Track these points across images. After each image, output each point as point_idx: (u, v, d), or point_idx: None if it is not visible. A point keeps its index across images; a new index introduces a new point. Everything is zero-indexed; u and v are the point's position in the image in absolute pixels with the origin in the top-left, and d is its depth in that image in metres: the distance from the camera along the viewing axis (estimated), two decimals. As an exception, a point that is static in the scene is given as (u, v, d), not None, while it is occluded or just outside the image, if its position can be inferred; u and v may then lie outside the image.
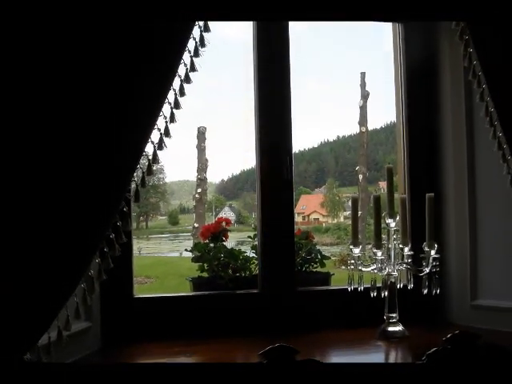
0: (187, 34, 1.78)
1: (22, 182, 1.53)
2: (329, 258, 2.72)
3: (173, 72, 1.76)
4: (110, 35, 1.62)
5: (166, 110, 1.80)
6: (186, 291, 2.53)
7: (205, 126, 4.19)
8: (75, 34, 1.59)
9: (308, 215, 5.42)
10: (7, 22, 1.54)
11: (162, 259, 5.45)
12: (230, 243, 2.63)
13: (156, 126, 1.77)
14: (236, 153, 4.42)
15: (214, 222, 2.74)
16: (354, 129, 4.89)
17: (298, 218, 5.08)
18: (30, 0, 1.55)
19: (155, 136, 1.80)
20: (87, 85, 1.59)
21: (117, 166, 1.63)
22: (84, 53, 1.60)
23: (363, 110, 4.71)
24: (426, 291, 2.21)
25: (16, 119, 1.53)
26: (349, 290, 2.23)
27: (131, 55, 1.64)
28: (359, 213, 2.46)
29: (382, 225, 2.23)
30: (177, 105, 1.84)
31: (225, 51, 3.58)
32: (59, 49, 1.57)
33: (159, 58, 1.69)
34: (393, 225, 2.24)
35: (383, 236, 2.24)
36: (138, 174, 1.80)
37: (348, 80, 4.78)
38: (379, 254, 2.22)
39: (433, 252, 2.19)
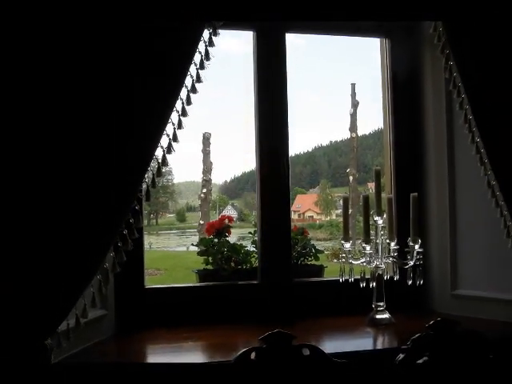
0: (194, 48, 1.78)
1: (52, 188, 1.53)
2: (322, 252, 2.71)
3: (180, 83, 1.76)
4: (128, 52, 1.62)
5: (174, 117, 1.81)
6: (193, 282, 2.52)
7: (209, 131, 4.19)
8: (99, 47, 1.58)
9: (303, 213, 5.41)
10: (22, 29, 1.52)
11: (171, 253, 5.44)
12: (232, 238, 2.62)
13: (165, 132, 1.77)
14: (238, 156, 4.42)
15: (217, 219, 2.74)
16: (345, 134, 4.89)
17: (294, 216, 5.07)
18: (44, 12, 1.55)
19: (164, 141, 1.80)
20: (109, 98, 1.59)
21: (130, 169, 1.64)
22: (108, 69, 1.60)
23: (353, 117, 4.70)
24: (410, 282, 2.20)
25: (45, 127, 1.53)
26: (340, 281, 2.23)
27: (144, 68, 1.64)
28: (350, 211, 2.46)
29: (371, 222, 2.23)
30: (184, 113, 1.84)
31: (227, 64, 3.57)
32: (79, 60, 1.57)
33: (169, 71, 1.69)
34: (380, 222, 2.24)
35: (371, 232, 2.23)
36: (148, 176, 1.80)
37: (340, 90, 4.77)
38: (368, 248, 2.22)
39: (417, 246, 2.19)
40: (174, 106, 1.76)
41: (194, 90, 1.86)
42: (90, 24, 1.58)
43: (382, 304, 2.24)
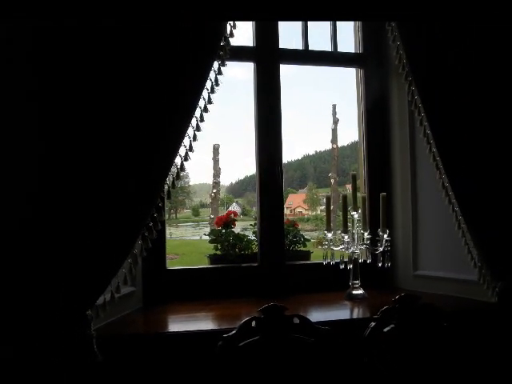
0: (206, 76, 1.77)
1: (101, 192, 1.51)
2: (309, 240, 2.71)
3: (195, 104, 1.76)
4: (167, 90, 1.61)
5: (189, 131, 1.80)
6: (205, 264, 2.52)
7: (218, 143, 4.19)
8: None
9: (294, 209, 5.42)
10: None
11: (187, 241, 5.43)
12: (236, 229, 2.62)
13: (183, 144, 1.77)
14: (241, 163, 4.43)
15: (225, 214, 2.74)
16: (328, 146, 4.90)
17: (286, 211, 5.07)
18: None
19: (182, 151, 1.80)
20: (149, 121, 1.58)
21: (155, 173, 1.63)
22: (155, 103, 1.58)
23: (334, 131, 4.71)
24: (380, 264, 2.21)
25: (87, 127, 1.50)
26: (324, 263, 2.23)
27: (174, 98, 1.64)
28: (331, 207, 2.46)
29: (348, 216, 2.24)
30: (198, 128, 1.84)
31: (233, 88, 3.58)
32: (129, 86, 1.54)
33: (186, 96, 1.69)
34: (356, 216, 2.24)
35: (349, 224, 2.24)
36: (169, 179, 1.80)
37: (323, 110, 4.79)
38: (346, 237, 2.22)
39: (385, 236, 2.20)
40: (190, 122, 1.76)
41: (206, 109, 1.86)
42: (141, 51, 1.56)
43: (357, 282, 2.24)
